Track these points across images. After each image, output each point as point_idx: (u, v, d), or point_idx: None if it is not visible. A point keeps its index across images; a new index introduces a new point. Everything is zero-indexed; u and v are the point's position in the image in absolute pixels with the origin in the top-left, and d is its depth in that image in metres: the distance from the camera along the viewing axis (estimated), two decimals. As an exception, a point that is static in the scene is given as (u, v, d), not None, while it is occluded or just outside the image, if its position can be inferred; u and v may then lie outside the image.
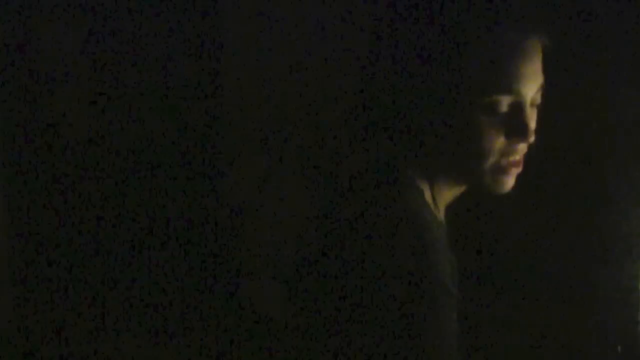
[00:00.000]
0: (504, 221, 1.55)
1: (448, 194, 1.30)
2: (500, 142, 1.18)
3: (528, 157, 1.27)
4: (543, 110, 1.30)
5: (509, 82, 1.17)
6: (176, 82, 2.33)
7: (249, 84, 2.24)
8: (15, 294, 2.38)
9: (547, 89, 1.25)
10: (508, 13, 1.18)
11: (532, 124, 1.19)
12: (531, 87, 1.19)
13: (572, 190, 1.76)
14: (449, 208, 1.37)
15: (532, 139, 1.19)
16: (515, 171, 1.22)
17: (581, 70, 1.70)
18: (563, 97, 1.69)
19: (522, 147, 1.20)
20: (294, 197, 2.14)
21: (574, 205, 1.76)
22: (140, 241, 2.37)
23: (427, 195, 1.27)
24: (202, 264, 2.36)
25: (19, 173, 2.37)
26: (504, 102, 1.18)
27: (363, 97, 1.28)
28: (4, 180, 2.36)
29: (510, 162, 1.20)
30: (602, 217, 1.71)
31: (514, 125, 1.18)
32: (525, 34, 1.18)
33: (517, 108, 1.18)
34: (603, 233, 1.71)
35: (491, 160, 1.19)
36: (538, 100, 1.22)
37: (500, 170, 1.21)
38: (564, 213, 1.77)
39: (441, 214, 1.31)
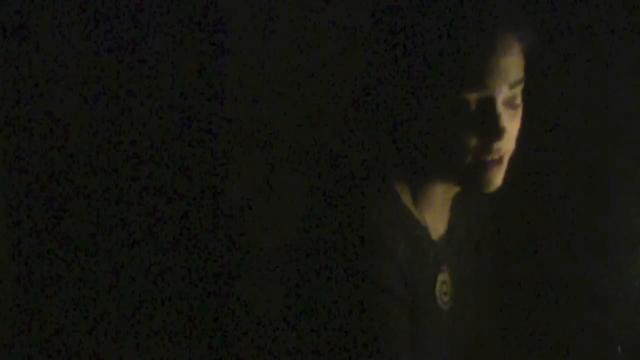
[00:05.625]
0: (502, 221, 1.55)
1: (438, 193, 1.29)
2: (473, 141, 1.17)
3: (529, 157, 1.26)
4: (542, 110, 1.29)
5: (474, 79, 1.15)
6: (176, 82, 2.33)
7: (249, 84, 2.24)
8: (15, 294, 2.38)
9: (546, 89, 1.24)
10: (477, 9, 1.16)
11: (505, 123, 1.17)
12: (501, 85, 1.17)
13: (572, 190, 1.76)
14: (455, 207, 1.36)
15: (505, 138, 1.18)
16: (497, 168, 1.21)
17: (580, 69, 1.69)
18: (562, 96, 1.69)
19: (499, 147, 1.18)
20: (293, 197, 2.14)
21: (574, 205, 1.75)
22: (139, 241, 2.36)
23: (406, 197, 1.26)
24: (201, 263, 2.35)
25: (20, 173, 2.37)
26: (473, 100, 1.16)
27: (356, 97, 1.28)
28: (4, 180, 2.36)
29: (489, 160, 1.19)
30: (602, 217, 1.70)
31: (485, 124, 1.17)
32: (494, 30, 1.16)
33: (487, 106, 1.16)
34: (603, 233, 1.70)
35: (467, 158, 1.18)
36: (517, 100, 1.21)
37: (480, 167, 1.19)
38: (563, 213, 1.76)
39: (431, 215, 1.30)
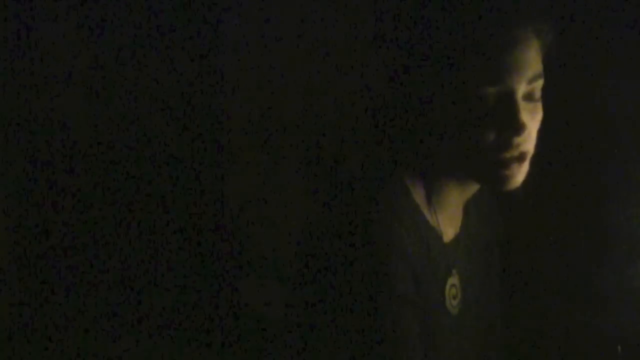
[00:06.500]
0: (510, 223, 1.55)
1: (453, 194, 1.28)
2: (492, 137, 1.16)
3: (533, 155, 1.25)
4: (543, 110, 1.29)
5: (493, 74, 1.14)
6: (176, 82, 2.33)
7: (249, 84, 2.24)
8: (15, 293, 2.38)
9: (548, 88, 1.24)
10: (494, 3, 1.15)
11: (524, 118, 1.16)
12: (519, 79, 1.15)
13: (572, 190, 1.76)
14: (467, 210, 1.35)
15: (525, 133, 1.17)
16: (517, 167, 1.18)
17: (581, 68, 1.69)
18: (562, 95, 1.69)
19: (519, 142, 1.17)
20: (293, 197, 2.14)
21: (574, 205, 1.75)
22: (139, 241, 2.36)
23: (419, 197, 1.24)
24: (202, 263, 2.35)
25: (19, 173, 2.37)
26: (491, 95, 1.15)
27: (367, 97, 1.27)
28: (4, 180, 2.36)
29: (509, 157, 1.18)
30: (602, 217, 1.70)
31: (503, 118, 1.15)
32: (511, 24, 1.15)
33: (506, 101, 1.15)
34: (603, 233, 1.70)
35: (487, 155, 1.16)
36: (536, 95, 1.19)
37: (500, 164, 1.18)
38: (564, 213, 1.76)
39: (444, 216, 1.28)
